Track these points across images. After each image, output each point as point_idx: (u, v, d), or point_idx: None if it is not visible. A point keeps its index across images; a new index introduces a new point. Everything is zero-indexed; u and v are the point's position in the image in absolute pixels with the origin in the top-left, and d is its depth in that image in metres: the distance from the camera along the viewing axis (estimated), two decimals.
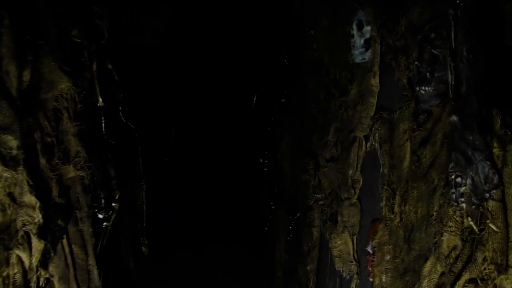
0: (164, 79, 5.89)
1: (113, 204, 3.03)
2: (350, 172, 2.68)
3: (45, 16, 2.31)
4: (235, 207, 7.57)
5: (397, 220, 2.09)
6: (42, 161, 2.24)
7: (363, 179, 2.64)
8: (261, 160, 5.77)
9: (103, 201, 2.85)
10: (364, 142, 2.57)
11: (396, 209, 2.10)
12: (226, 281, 5.66)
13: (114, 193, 3.04)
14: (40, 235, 2.01)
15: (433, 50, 1.74)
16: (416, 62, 1.84)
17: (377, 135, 2.36)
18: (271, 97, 5.29)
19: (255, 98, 6.01)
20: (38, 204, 1.99)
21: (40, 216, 2.00)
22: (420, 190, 1.90)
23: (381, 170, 2.32)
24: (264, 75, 5.59)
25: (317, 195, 3.32)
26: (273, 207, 5.19)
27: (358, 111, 2.58)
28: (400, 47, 2.07)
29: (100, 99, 2.71)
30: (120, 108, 3.25)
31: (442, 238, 1.65)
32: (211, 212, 7.59)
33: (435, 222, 1.74)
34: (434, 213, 1.75)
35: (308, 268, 3.61)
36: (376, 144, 2.37)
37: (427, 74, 1.78)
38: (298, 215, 4.12)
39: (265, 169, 5.65)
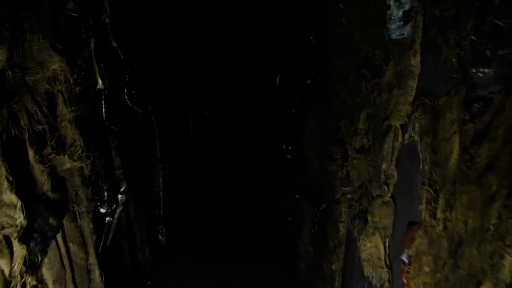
0: (182, 61, 5.61)
1: (119, 196, 2.78)
2: (383, 165, 2.35)
3: None
4: (257, 194, 7.27)
5: (440, 228, 1.77)
6: (31, 152, 1.98)
7: (399, 175, 2.29)
8: (284, 146, 5.46)
9: (106, 193, 2.59)
10: (400, 132, 2.23)
11: (439, 214, 1.78)
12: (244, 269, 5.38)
13: (119, 184, 2.79)
14: (22, 239, 1.75)
15: (496, 21, 1.36)
16: (472, 37, 1.46)
17: (417, 125, 2.02)
18: (296, 78, 4.94)
19: (278, 79, 5.68)
20: (19, 204, 1.73)
21: (22, 217, 1.74)
22: (471, 196, 1.55)
23: (420, 167, 1.98)
24: (288, 54, 5.23)
25: (345, 188, 3.03)
26: (297, 196, 4.88)
27: (394, 96, 2.23)
28: (449, 19, 1.70)
29: (100, 81, 2.42)
30: (126, 90, 2.97)
31: (503, 261, 1.32)
32: (231, 199, 7.32)
33: (492, 238, 1.39)
34: (491, 227, 1.41)
35: (333, 267, 3.31)
36: (416, 136, 2.03)
37: (487, 52, 1.40)
38: (323, 206, 3.82)
39: (289, 156, 5.33)
